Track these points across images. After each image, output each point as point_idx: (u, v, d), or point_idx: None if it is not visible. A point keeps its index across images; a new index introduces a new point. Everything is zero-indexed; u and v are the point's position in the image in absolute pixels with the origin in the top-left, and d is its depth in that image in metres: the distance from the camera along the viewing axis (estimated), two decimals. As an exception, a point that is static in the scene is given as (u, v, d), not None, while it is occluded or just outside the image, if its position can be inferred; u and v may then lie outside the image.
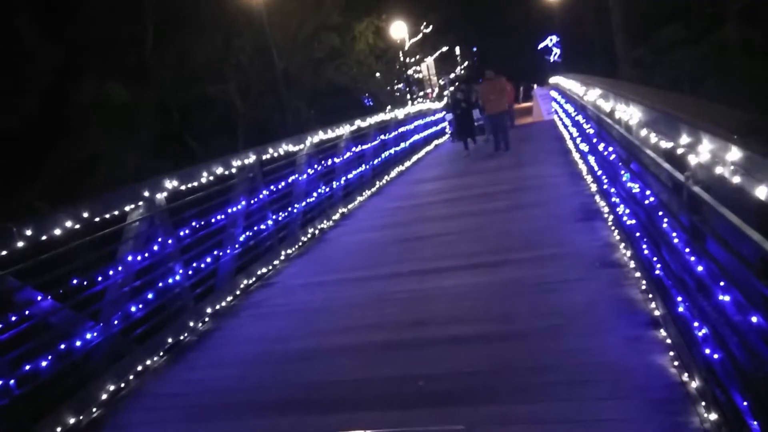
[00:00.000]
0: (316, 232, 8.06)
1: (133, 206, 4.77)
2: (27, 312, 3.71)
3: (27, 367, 3.58)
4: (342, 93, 27.13)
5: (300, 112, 23.46)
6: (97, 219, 4.24)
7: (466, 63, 38.79)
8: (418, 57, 31.56)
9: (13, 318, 3.61)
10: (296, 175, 7.81)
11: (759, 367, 1.91)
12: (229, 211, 6.08)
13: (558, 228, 6.19)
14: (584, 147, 8.48)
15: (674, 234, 2.99)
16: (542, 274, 4.86)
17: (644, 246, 3.95)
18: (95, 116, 17.46)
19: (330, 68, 25.58)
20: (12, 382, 3.46)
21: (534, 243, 5.78)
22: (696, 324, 2.66)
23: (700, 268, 2.45)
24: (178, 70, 21.24)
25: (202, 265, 5.51)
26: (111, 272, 4.41)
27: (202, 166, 5.70)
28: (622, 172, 4.77)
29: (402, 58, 27.56)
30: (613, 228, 5.57)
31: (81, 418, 3.78)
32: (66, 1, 17.84)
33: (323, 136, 8.84)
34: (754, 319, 1.88)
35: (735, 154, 1.87)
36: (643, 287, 4.08)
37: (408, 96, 25.88)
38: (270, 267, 6.64)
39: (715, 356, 2.38)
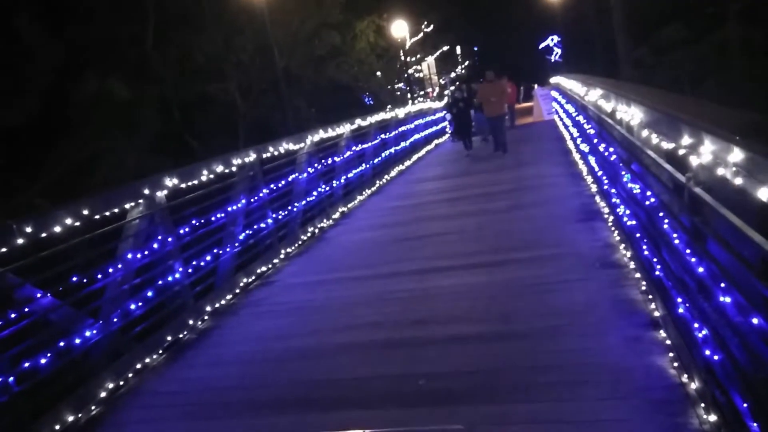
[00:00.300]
0: (316, 230, 8.06)
1: (133, 204, 4.77)
2: (27, 309, 3.71)
3: (26, 365, 3.58)
4: (343, 92, 27.13)
5: (301, 110, 23.44)
6: (97, 216, 4.24)
7: (466, 62, 38.77)
8: (418, 56, 31.55)
9: (13, 315, 3.61)
10: (296, 174, 7.81)
11: (760, 368, 1.91)
12: (229, 209, 6.08)
13: (558, 228, 6.19)
14: (585, 147, 8.48)
15: (675, 235, 2.99)
16: (542, 274, 4.86)
17: (644, 247, 3.95)
18: (96, 115, 17.46)
19: (331, 67, 25.58)
20: (11, 379, 3.46)
21: (534, 243, 5.78)
22: (696, 325, 2.66)
23: (701, 269, 2.45)
24: (179, 69, 21.24)
25: (202, 263, 5.51)
26: (111, 270, 4.41)
27: (202, 164, 5.70)
28: (623, 172, 4.77)
29: (403, 57, 27.55)
30: (613, 228, 5.57)
31: (80, 415, 3.78)
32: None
33: (324, 135, 8.84)
34: (755, 320, 1.88)
35: (737, 155, 1.87)
36: (643, 288, 4.08)
37: (408, 95, 25.87)
38: (270, 265, 6.63)
39: (715, 357, 2.38)
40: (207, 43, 21.27)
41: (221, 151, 6.84)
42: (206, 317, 5.29)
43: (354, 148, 10.25)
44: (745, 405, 2.09)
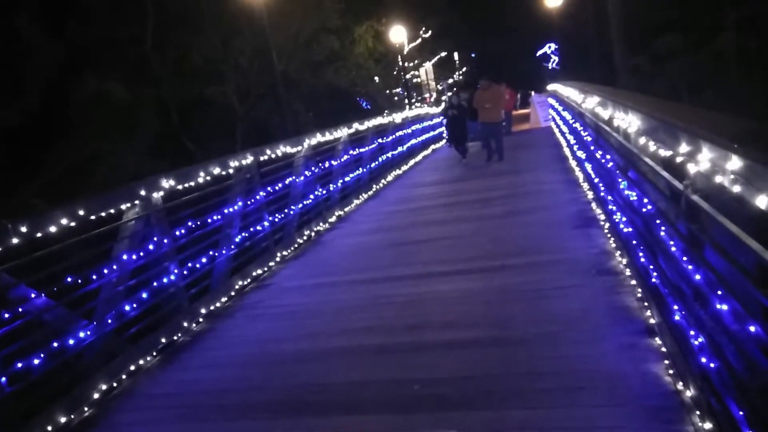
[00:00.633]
0: (313, 234, 8.05)
1: (129, 205, 4.75)
2: (20, 309, 3.68)
3: (19, 365, 3.56)
4: (340, 96, 27.15)
5: (299, 114, 23.45)
6: (92, 217, 4.22)
7: (464, 68, 38.89)
8: (416, 62, 31.63)
9: (6, 315, 3.58)
10: (293, 177, 7.80)
11: (756, 376, 1.91)
12: (226, 211, 6.06)
13: (555, 235, 6.19)
14: (581, 154, 8.50)
15: (671, 242, 2.99)
16: (538, 281, 4.86)
17: (641, 254, 3.96)
18: (95, 116, 17.45)
19: (329, 71, 25.60)
20: (3, 379, 3.43)
21: (530, 249, 5.78)
22: (692, 333, 2.66)
23: (697, 277, 2.45)
24: (178, 71, 21.24)
25: (198, 266, 5.49)
26: (106, 271, 4.39)
27: (199, 166, 5.69)
28: (620, 180, 4.78)
29: (401, 63, 27.61)
30: (609, 236, 5.58)
31: (73, 417, 3.76)
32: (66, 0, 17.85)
33: (321, 139, 8.84)
34: (752, 328, 1.88)
35: (735, 163, 1.87)
36: (639, 295, 4.08)
37: (406, 100, 25.92)
38: (265, 268, 6.62)
39: (711, 365, 2.38)
40: (205, 44, 21.29)
41: (219, 154, 6.83)
42: (201, 320, 5.27)
43: (351, 152, 10.26)
44: (741, 413, 2.08)
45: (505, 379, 3.39)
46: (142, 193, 4.82)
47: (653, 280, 3.56)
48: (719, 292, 2.19)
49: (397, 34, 26.30)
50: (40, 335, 3.83)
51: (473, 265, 5.62)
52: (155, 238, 4.92)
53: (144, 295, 4.72)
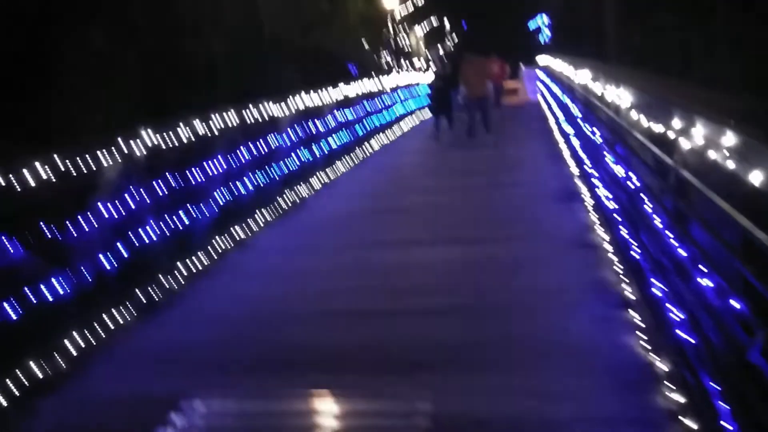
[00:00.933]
0: (297, 198, 7.98)
1: (108, 157, 4.63)
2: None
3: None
4: (329, 60, 26.70)
5: (286, 76, 23.05)
6: (71, 168, 4.12)
7: (454, 37, 38.42)
8: (407, 29, 31.14)
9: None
10: (278, 140, 7.68)
11: (734, 351, 1.93)
12: (208, 170, 5.96)
13: (538, 208, 6.22)
14: (569, 129, 8.49)
15: (656, 217, 3.00)
16: (518, 252, 4.89)
17: (623, 228, 3.98)
18: (74, 66, 16.94)
19: (318, 33, 25.10)
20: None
21: (513, 221, 5.81)
22: (670, 307, 2.69)
23: (681, 252, 2.46)
24: (161, 25, 20.64)
25: (179, 224, 5.41)
26: (83, 224, 4.30)
27: (182, 121, 5.56)
28: (606, 154, 4.78)
29: (391, 29, 27.17)
30: (591, 210, 5.61)
31: (48, 371, 3.71)
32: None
33: (308, 101, 8.70)
34: (734, 303, 1.90)
35: (730, 139, 1.86)
36: (619, 269, 4.12)
37: (395, 67, 25.60)
38: (248, 231, 6.55)
39: (689, 339, 2.41)
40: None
41: (201, 110, 6.68)
42: (182, 279, 5.22)
43: (338, 117, 10.12)
44: (715, 387, 2.12)
45: (481, 346, 3.42)
46: (122, 145, 4.70)
47: (634, 254, 3.59)
48: (702, 267, 2.21)
49: (388, 0, 25.79)
50: (14, 288, 3.76)
51: (456, 233, 5.64)
52: (134, 193, 4.83)
53: (122, 252, 4.64)
